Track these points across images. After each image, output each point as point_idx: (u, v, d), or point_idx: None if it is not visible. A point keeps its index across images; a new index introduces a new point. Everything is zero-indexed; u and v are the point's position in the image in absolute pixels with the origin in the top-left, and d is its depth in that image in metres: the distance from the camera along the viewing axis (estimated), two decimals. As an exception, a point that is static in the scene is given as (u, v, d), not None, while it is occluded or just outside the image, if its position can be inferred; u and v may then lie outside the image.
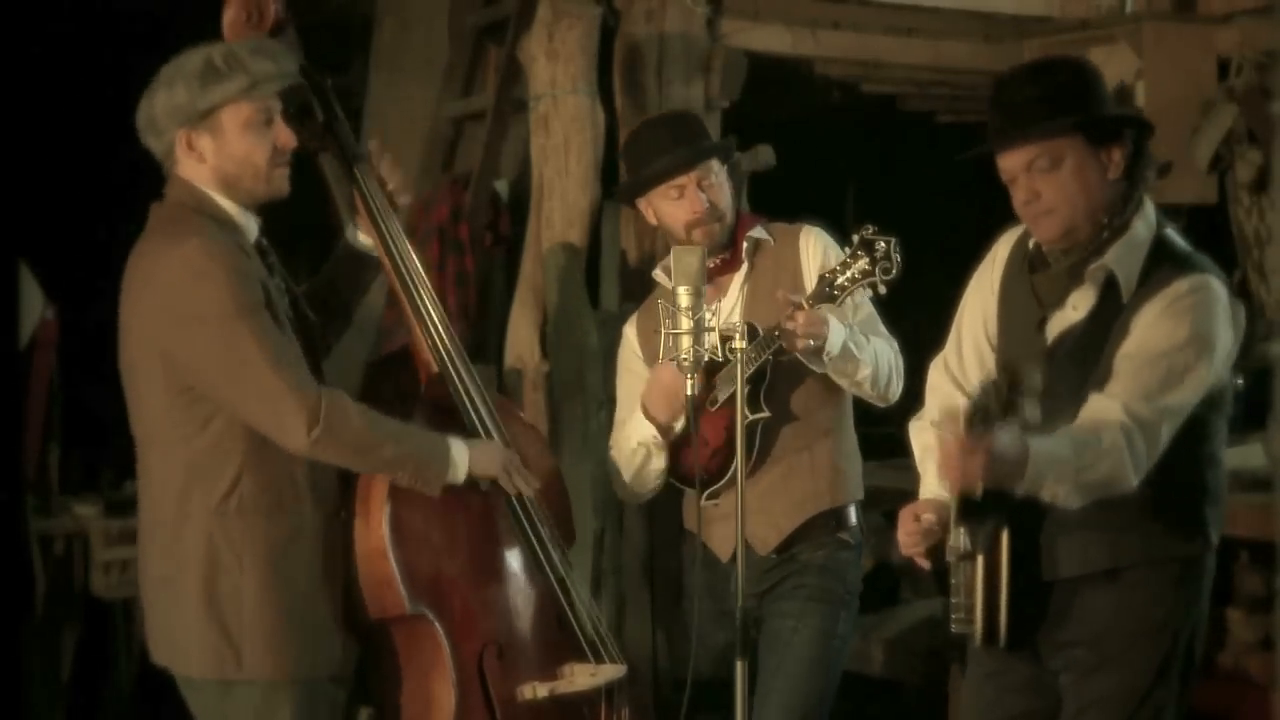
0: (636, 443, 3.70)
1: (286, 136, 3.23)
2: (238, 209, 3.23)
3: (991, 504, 3.00)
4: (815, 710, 3.74)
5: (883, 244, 3.45)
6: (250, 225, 3.25)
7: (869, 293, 3.50)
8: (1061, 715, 3.16)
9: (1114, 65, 5.85)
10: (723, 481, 3.55)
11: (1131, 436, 2.91)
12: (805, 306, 3.46)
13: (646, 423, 3.67)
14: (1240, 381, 5.34)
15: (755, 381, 3.52)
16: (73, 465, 5.11)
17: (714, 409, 3.60)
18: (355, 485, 3.33)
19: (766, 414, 3.61)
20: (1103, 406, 2.95)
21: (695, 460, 3.53)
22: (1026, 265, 3.18)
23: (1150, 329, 2.99)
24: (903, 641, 4.80)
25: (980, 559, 3.03)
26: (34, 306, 4.87)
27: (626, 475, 3.77)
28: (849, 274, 3.47)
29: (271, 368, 3.12)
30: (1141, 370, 2.96)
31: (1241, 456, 5.06)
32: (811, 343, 3.44)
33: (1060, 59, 3.32)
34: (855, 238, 3.48)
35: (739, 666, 3.19)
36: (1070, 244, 3.08)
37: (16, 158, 4.52)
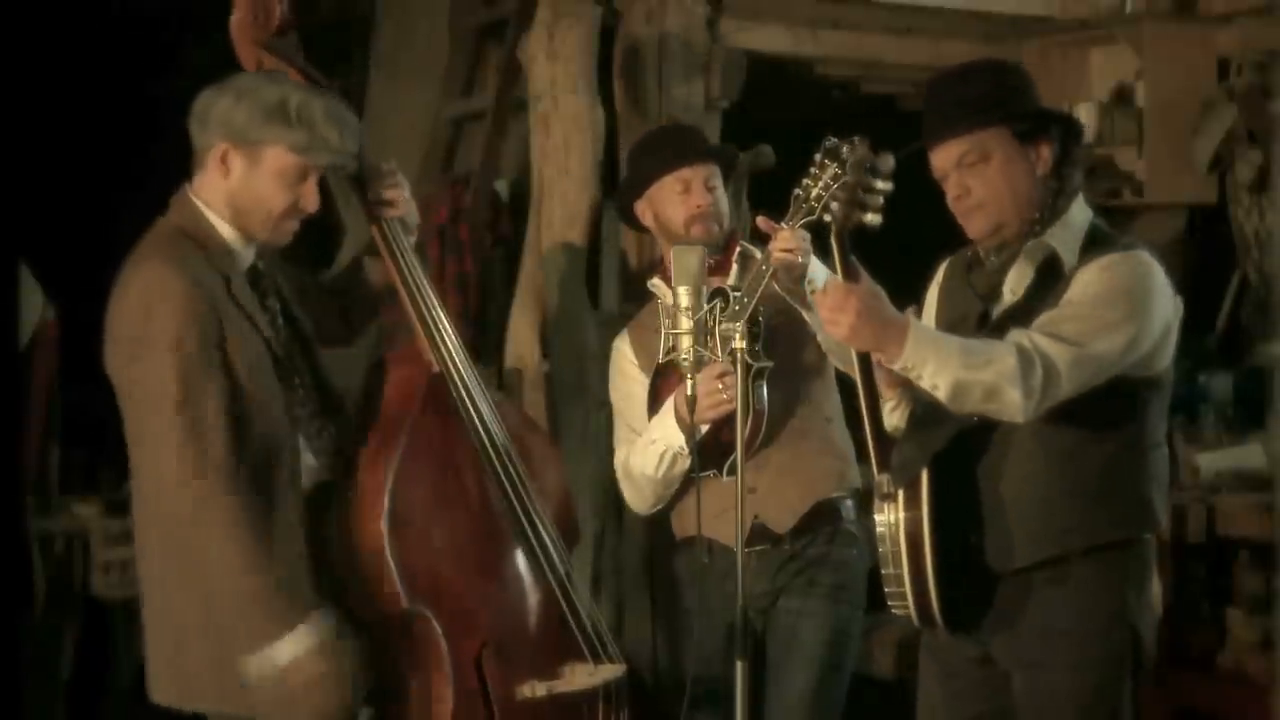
0: (665, 448, 3.71)
1: (312, 200, 3.25)
2: (236, 236, 3.24)
3: (909, 435, 3.14)
4: (834, 712, 3.75)
5: (846, 146, 3.43)
6: (246, 253, 3.27)
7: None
8: (1019, 715, 3.17)
9: (1114, 65, 5.86)
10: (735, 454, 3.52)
11: (1029, 360, 2.94)
12: (786, 227, 3.42)
13: (677, 432, 3.68)
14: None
15: (751, 326, 3.49)
16: (73, 465, 5.10)
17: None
18: (353, 482, 3.33)
19: (769, 363, 3.62)
20: (1011, 334, 3.01)
21: (697, 454, 3.53)
22: (965, 269, 3.25)
23: (1082, 288, 3.04)
24: (910, 644, 4.80)
25: (902, 514, 3.06)
26: (34, 306, 4.86)
27: (658, 476, 3.76)
28: (822, 183, 3.42)
29: (175, 410, 3.09)
30: (1064, 318, 3.02)
31: (1241, 456, 5.06)
32: (798, 259, 3.40)
33: (989, 60, 3.40)
34: (819, 150, 3.43)
35: (739, 666, 3.19)
36: (1001, 240, 3.15)
37: (17, 157, 4.52)
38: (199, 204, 3.25)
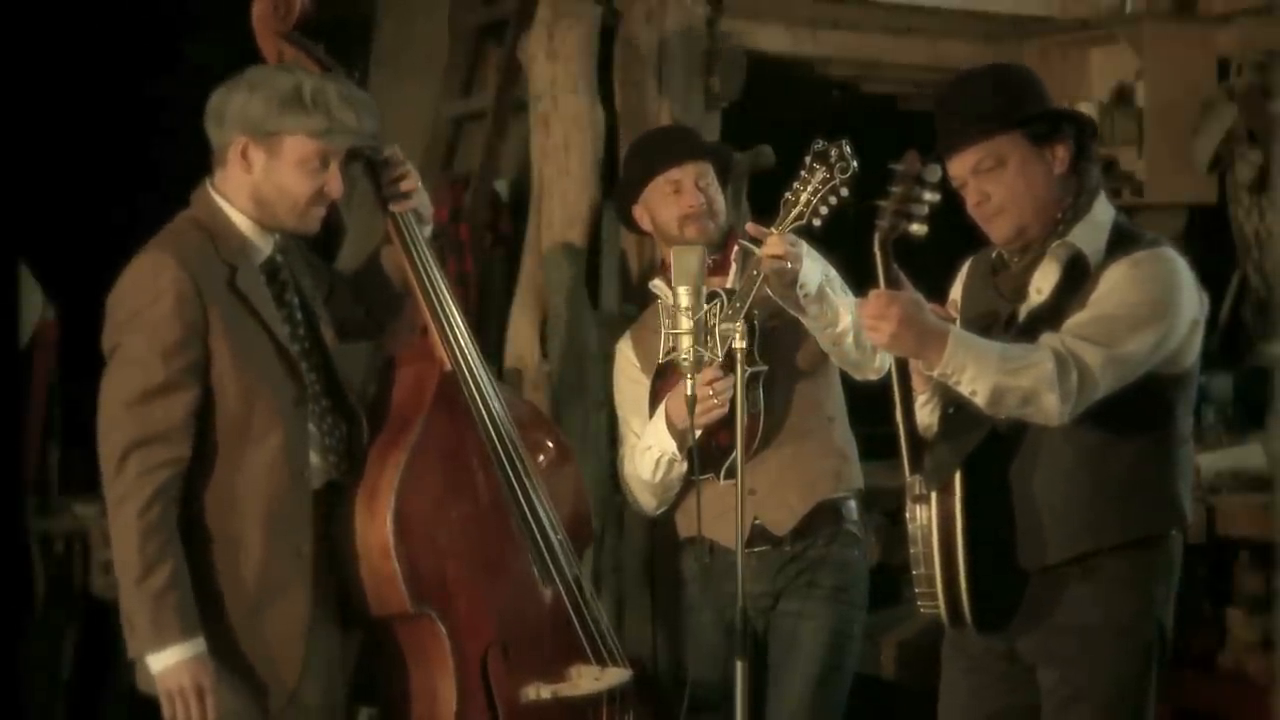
0: (660, 454, 3.71)
1: (336, 185, 3.25)
2: (255, 229, 3.25)
3: (942, 437, 3.13)
4: (835, 712, 3.74)
5: (835, 150, 3.44)
6: (265, 245, 3.27)
7: (834, 201, 3.45)
8: (1044, 710, 3.18)
9: (1114, 65, 5.86)
10: (733, 456, 3.52)
11: (1065, 364, 2.96)
12: (776, 232, 3.44)
13: (669, 438, 3.68)
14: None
15: (748, 335, 3.50)
16: (73, 465, 5.09)
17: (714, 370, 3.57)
18: (361, 480, 3.33)
19: (764, 367, 3.61)
20: (1044, 338, 3.03)
21: (696, 456, 3.52)
22: (990, 270, 3.25)
23: (1110, 287, 3.05)
24: (912, 644, 4.80)
25: (935, 516, 3.06)
26: (34, 306, 4.86)
27: (655, 480, 3.76)
28: (810, 188, 3.44)
29: (124, 410, 3.11)
30: (1094, 319, 3.03)
31: (1241, 456, 5.06)
32: (789, 265, 3.41)
33: (997, 65, 3.40)
34: (809, 155, 3.46)
35: (739, 666, 3.19)
36: (1025, 243, 3.16)
37: (17, 157, 4.52)
38: (217, 198, 3.26)
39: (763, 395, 3.65)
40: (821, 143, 3.45)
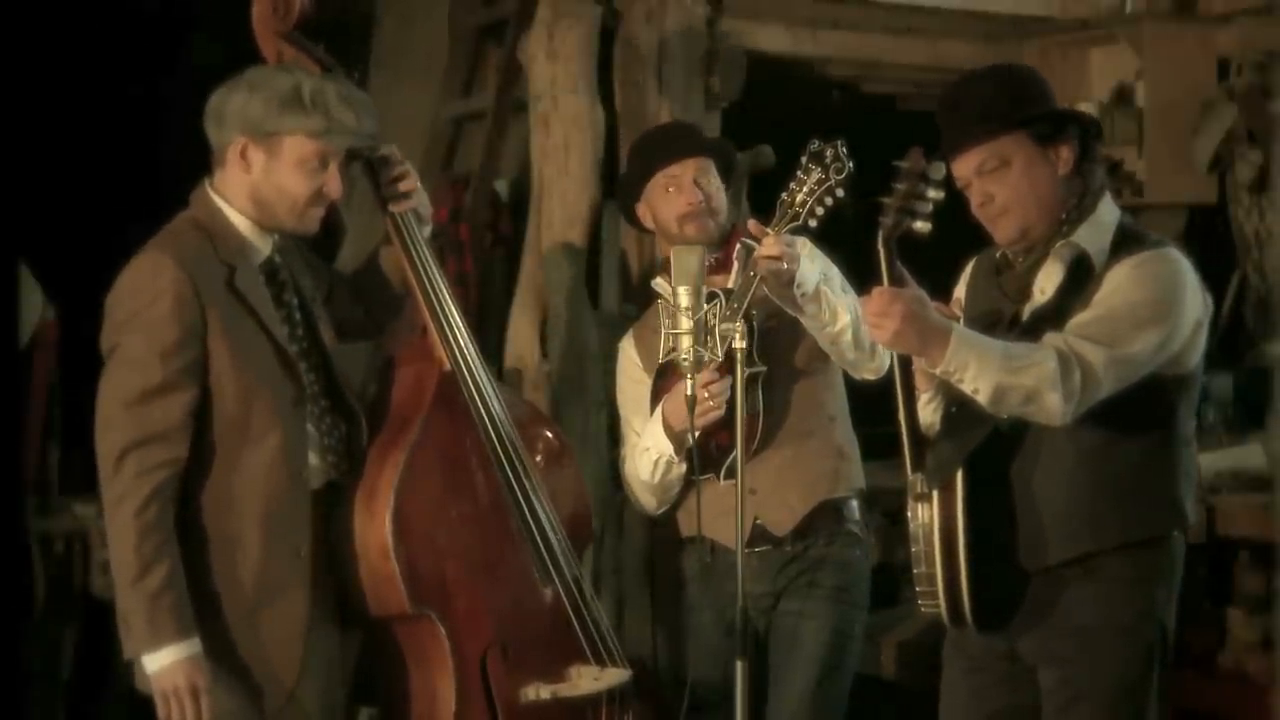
0: (658, 455, 3.71)
1: (336, 185, 3.25)
2: (254, 229, 3.25)
3: (944, 435, 3.13)
4: (835, 712, 3.74)
5: (830, 150, 3.44)
6: (264, 245, 3.28)
7: (830, 202, 3.45)
8: (1045, 711, 3.18)
9: (1114, 65, 5.87)
10: (732, 456, 3.52)
11: (1068, 363, 2.96)
12: (772, 233, 3.43)
13: (666, 440, 3.68)
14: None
15: (747, 335, 3.49)
16: (73, 465, 5.09)
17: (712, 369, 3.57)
18: (360, 481, 3.33)
19: (762, 368, 3.61)
20: (1047, 338, 3.03)
21: (696, 457, 3.51)
22: (994, 270, 3.25)
23: (1113, 288, 3.05)
24: (912, 644, 4.80)
25: (936, 514, 3.06)
26: (34, 306, 4.86)
27: (654, 481, 3.76)
28: (806, 189, 3.44)
29: (122, 410, 3.11)
30: (1097, 318, 3.03)
31: (1241, 456, 5.06)
32: (785, 265, 3.40)
33: (1001, 65, 3.40)
34: (804, 155, 3.46)
35: (739, 666, 3.19)
36: (1030, 243, 3.16)
37: (18, 158, 4.51)
38: (216, 199, 3.26)
39: (762, 395, 3.65)
40: (817, 143, 3.45)
